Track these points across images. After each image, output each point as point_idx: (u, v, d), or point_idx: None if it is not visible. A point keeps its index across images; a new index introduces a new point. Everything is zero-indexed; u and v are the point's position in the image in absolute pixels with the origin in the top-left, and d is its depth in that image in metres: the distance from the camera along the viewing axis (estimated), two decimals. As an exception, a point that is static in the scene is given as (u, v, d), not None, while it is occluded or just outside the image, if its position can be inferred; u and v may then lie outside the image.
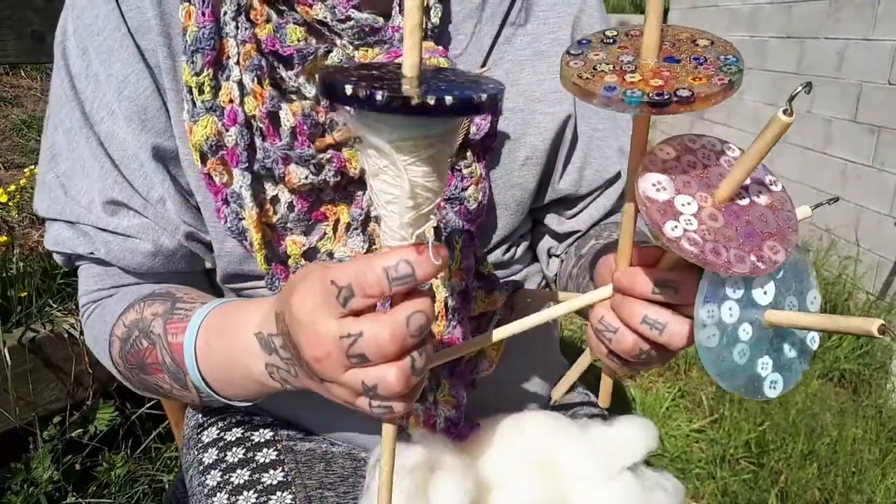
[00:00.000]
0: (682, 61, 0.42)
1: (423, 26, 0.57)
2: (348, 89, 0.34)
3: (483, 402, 0.68)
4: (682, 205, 0.43)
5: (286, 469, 0.67)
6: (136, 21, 0.57)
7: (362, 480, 0.66)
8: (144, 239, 0.60)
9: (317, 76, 0.35)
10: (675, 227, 0.42)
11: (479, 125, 0.60)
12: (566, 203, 0.73)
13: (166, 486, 1.36)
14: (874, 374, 2.18)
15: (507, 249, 0.70)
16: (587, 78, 0.41)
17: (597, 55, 0.44)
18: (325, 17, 0.56)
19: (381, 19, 0.57)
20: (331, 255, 0.60)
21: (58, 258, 0.65)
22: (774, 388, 0.47)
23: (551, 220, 0.75)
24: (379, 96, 0.33)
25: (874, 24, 2.51)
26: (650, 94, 0.39)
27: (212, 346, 0.54)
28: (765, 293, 0.46)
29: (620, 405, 1.99)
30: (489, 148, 0.62)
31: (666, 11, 5.01)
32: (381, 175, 0.38)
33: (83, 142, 0.59)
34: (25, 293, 1.38)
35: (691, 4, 3.95)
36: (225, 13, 0.55)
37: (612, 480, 0.61)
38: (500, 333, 0.50)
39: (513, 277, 0.72)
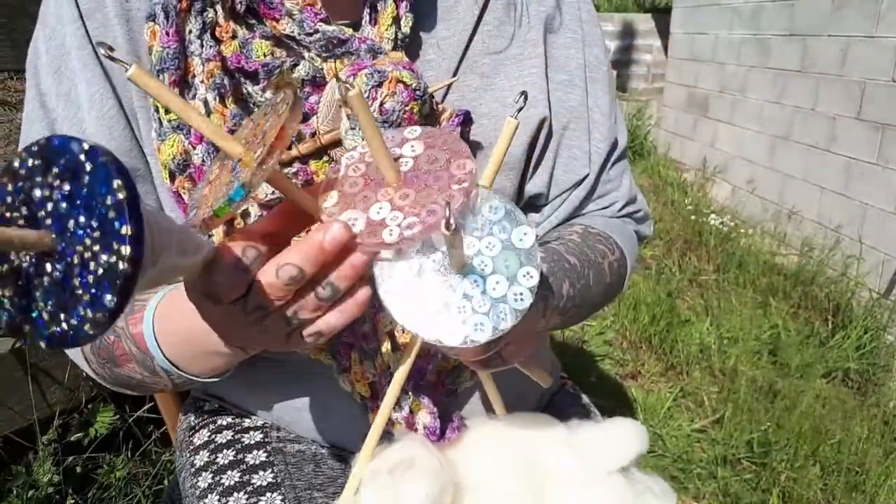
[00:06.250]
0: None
1: (394, 37, 0.58)
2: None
3: (473, 404, 0.67)
4: (377, 212, 0.42)
5: (276, 470, 0.67)
6: (102, 39, 0.56)
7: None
8: None
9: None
10: (391, 232, 0.41)
11: None
12: (532, 209, 0.73)
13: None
14: (878, 373, 2.17)
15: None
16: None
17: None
18: (293, 31, 0.56)
19: (348, 30, 0.57)
20: None
21: None
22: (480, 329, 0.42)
23: None
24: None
25: (877, 21, 2.50)
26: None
27: (168, 329, 0.54)
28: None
29: (622, 406, 1.99)
30: None
31: (669, 10, 4.92)
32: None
33: None
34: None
35: (695, 3, 3.94)
36: (190, 31, 0.55)
37: (598, 483, 0.60)
38: None
39: None
